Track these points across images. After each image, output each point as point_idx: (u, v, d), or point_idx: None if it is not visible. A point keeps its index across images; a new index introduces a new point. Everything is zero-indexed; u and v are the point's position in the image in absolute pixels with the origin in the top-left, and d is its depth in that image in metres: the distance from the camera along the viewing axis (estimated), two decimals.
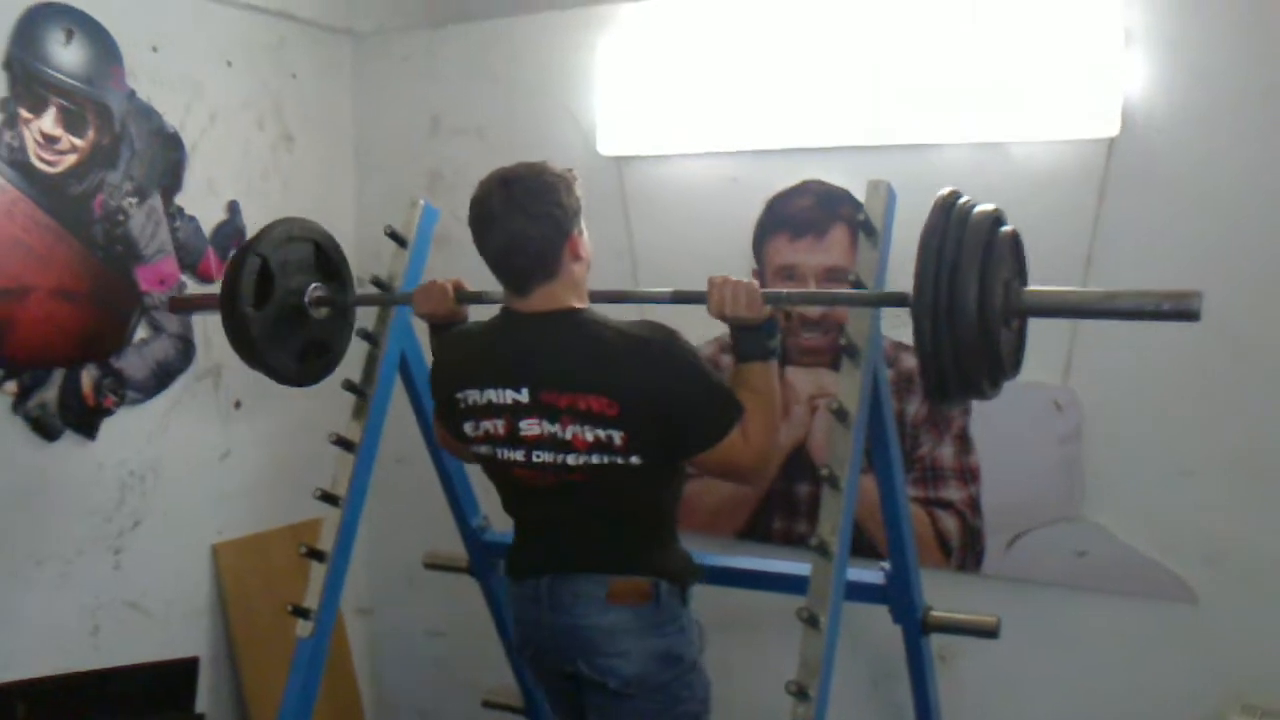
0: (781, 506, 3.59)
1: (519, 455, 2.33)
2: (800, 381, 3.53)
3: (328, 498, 2.94)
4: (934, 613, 3.01)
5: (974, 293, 2.01)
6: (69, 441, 3.31)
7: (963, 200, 2.15)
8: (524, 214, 2.25)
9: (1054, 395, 3.23)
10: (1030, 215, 3.17)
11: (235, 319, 2.73)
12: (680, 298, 2.51)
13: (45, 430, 3.24)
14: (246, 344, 2.77)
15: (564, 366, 2.26)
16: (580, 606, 2.36)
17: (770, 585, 3.13)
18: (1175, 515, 3.11)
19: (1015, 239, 2.17)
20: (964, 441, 3.35)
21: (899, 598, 2.96)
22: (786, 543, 3.57)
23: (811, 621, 2.35)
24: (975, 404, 3.31)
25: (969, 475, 3.35)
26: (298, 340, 2.88)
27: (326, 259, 2.93)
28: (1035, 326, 3.17)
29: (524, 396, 2.28)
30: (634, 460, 2.26)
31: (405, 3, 4.28)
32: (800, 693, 2.29)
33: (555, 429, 2.26)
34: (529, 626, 2.48)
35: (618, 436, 2.23)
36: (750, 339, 2.39)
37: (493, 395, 2.33)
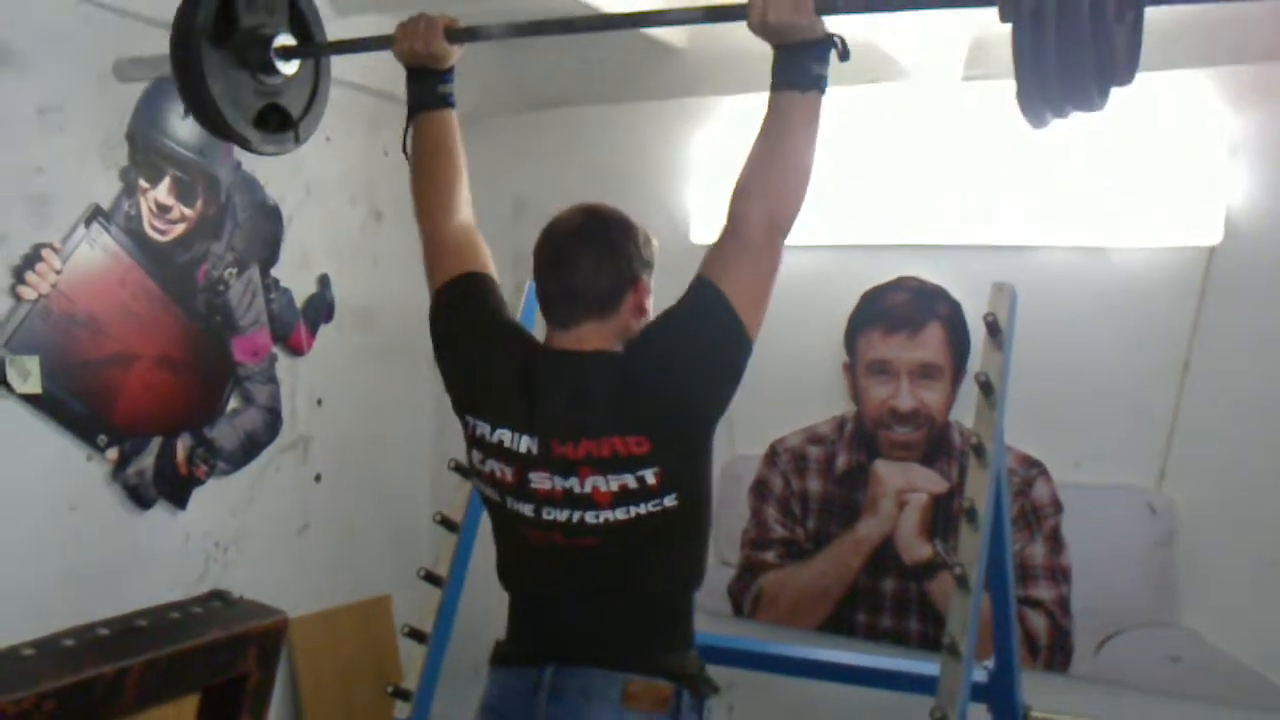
0: (865, 600, 3.58)
1: (528, 510, 1.96)
2: (890, 475, 3.54)
3: (431, 578, 2.92)
4: (1034, 713, 2.99)
5: None
6: (161, 510, 3.30)
7: None
8: (604, 242, 2.00)
9: (1148, 498, 3.25)
10: (1129, 320, 3.27)
11: (186, 50, 2.22)
12: (714, 15, 2.08)
13: (140, 499, 3.23)
14: (196, 81, 2.24)
15: (581, 409, 1.92)
16: (590, 707, 1.95)
17: (854, 679, 3.11)
18: (1275, 625, 3.10)
19: None
20: (1055, 541, 3.35)
21: (1001, 697, 2.94)
22: (870, 637, 3.55)
23: None
24: (1068, 505, 3.33)
25: (1060, 575, 3.34)
26: (255, 96, 2.36)
27: (302, 20, 2.42)
28: (1130, 428, 3.22)
29: (535, 447, 1.93)
30: (669, 502, 1.90)
31: (499, 86, 4.35)
32: None
33: (571, 484, 1.91)
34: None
35: (650, 475, 1.88)
36: (792, 59, 1.91)
37: (505, 436, 1.96)
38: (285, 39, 2.35)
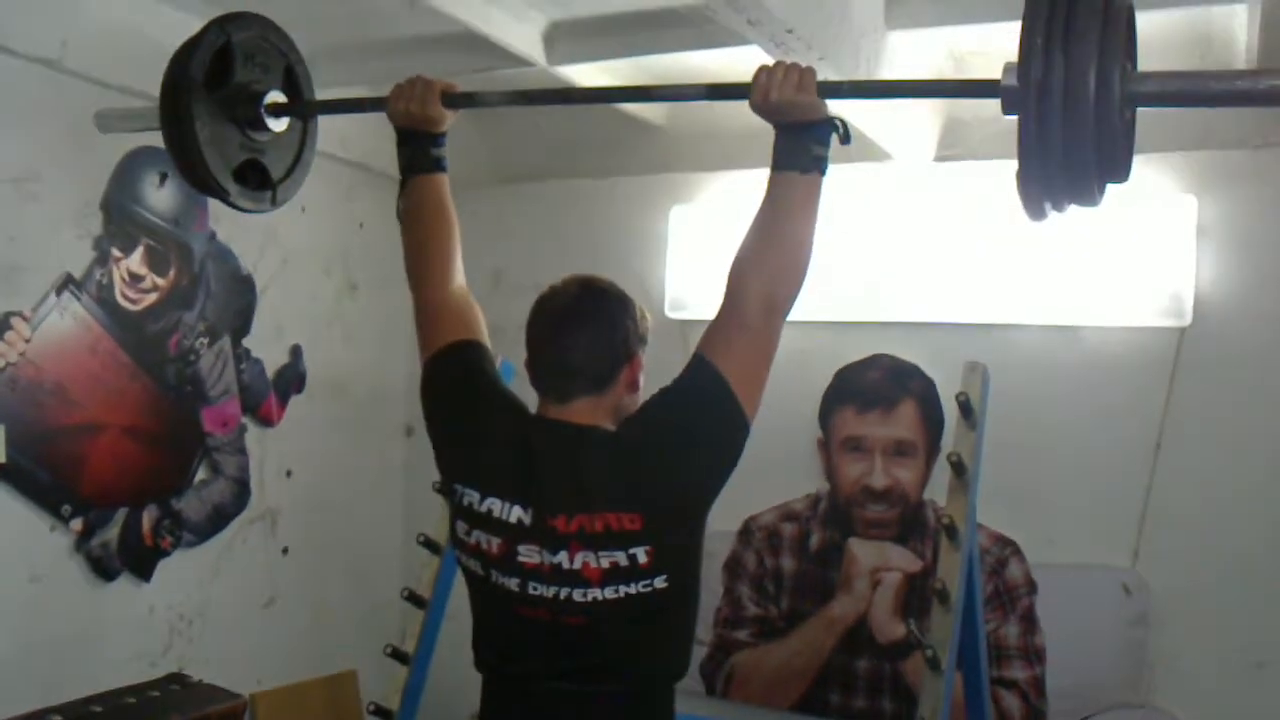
0: (839, 680, 3.53)
1: (514, 584, 1.88)
2: (864, 554, 3.52)
3: (397, 654, 2.88)
4: None
5: (1092, 66, 1.66)
6: (125, 582, 3.25)
7: None
8: (602, 318, 1.95)
9: (1122, 578, 3.24)
10: (1100, 400, 3.28)
11: (178, 84, 2.22)
12: (718, 92, 2.07)
13: (104, 571, 3.18)
14: (182, 117, 2.23)
15: (575, 484, 1.87)
16: None
17: None
18: (1249, 707, 3.09)
19: (1130, 14, 1.77)
20: (1029, 621, 3.33)
21: None
22: (844, 718, 3.50)
23: None
24: (1042, 585, 3.32)
25: (1034, 655, 3.32)
26: (238, 149, 2.34)
27: (295, 84, 2.42)
28: (1103, 507, 3.22)
29: (528, 518, 1.87)
30: (659, 583, 1.83)
31: (476, 160, 4.37)
32: None
33: (559, 559, 1.84)
34: None
35: (642, 554, 1.81)
36: (794, 140, 1.89)
37: (495, 506, 1.90)
38: (277, 96, 2.35)
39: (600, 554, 1.82)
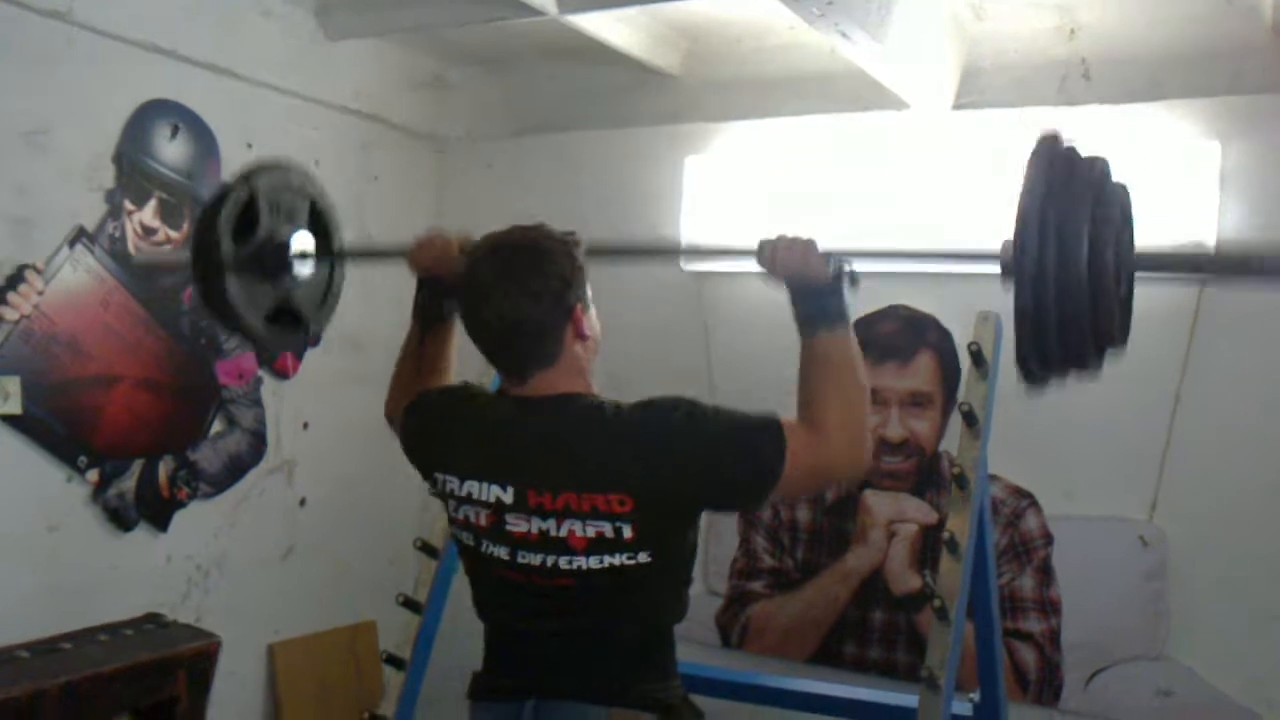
0: (854, 632, 3.53)
1: (503, 553, 1.92)
2: (879, 505, 3.50)
3: (410, 604, 2.89)
4: None
5: (1084, 244, 1.71)
6: (142, 532, 3.28)
7: (1066, 146, 1.85)
8: (520, 289, 1.88)
9: (1139, 530, 3.21)
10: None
11: (207, 247, 2.27)
12: (729, 253, 2.19)
13: (121, 520, 3.21)
14: (214, 280, 2.28)
15: (557, 462, 1.87)
16: None
17: (841, 712, 3.06)
18: (1268, 661, 3.06)
19: (1125, 192, 1.88)
20: (1045, 573, 3.31)
21: None
22: (859, 669, 3.51)
23: None
24: (1059, 537, 3.29)
25: (1050, 607, 3.30)
26: (269, 296, 2.39)
27: (320, 224, 2.47)
28: (1121, 459, 3.19)
29: (508, 496, 1.89)
30: (642, 558, 1.85)
31: (491, 111, 4.35)
32: None
33: (547, 525, 1.86)
34: None
35: (628, 529, 1.83)
36: (811, 304, 1.91)
37: (474, 488, 1.93)
38: (304, 242, 2.40)
39: (587, 524, 1.84)
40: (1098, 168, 1.80)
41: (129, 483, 3.22)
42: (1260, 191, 3.09)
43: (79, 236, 3.07)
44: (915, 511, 3.47)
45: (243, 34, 3.48)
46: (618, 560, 1.86)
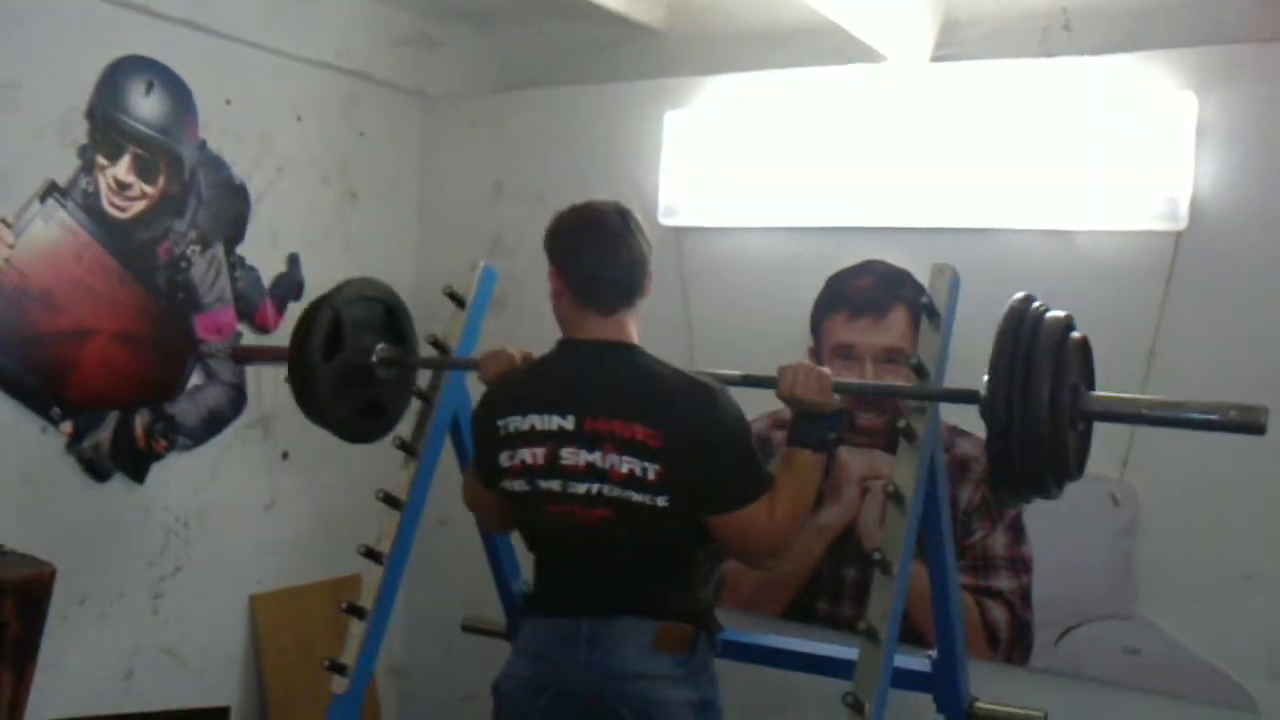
0: (827, 588, 3.53)
1: (555, 485, 2.28)
2: (853, 462, 3.49)
3: (371, 554, 2.92)
4: (979, 704, 2.92)
5: (1045, 396, 2.07)
6: (118, 484, 3.33)
7: (1036, 305, 2.23)
8: (635, 237, 2.34)
9: (1111, 488, 3.18)
10: (1094, 306, 3.15)
11: (302, 369, 2.72)
12: (750, 381, 2.54)
13: (96, 471, 3.26)
14: (311, 395, 2.76)
15: (614, 394, 2.26)
16: (625, 651, 2.29)
17: (814, 668, 3.06)
18: (1236, 620, 3.02)
19: (1085, 345, 2.26)
20: (1017, 531, 3.29)
21: (945, 687, 2.88)
22: (831, 625, 3.51)
23: (856, 707, 2.29)
24: None
25: (1020, 565, 3.29)
26: (359, 397, 2.87)
27: (395, 321, 2.94)
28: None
29: (569, 423, 2.26)
30: (660, 502, 2.22)
31: (477, 67, 4.34)
32: None
33: (595, 458, 2.24)
34: (557, 666, 2.34)
35: (652, 471, 2.20)
36: (809, 426, 2.39)
37: (536, 421, 2.30)
38: (385, 350, 2.87)
39: (625, 458, 2.21)
40: (1059, 326, 2.16)
41: (104, 434, 3.26)
42: (1237, 142, 3.02)
43: (51, 191, 3.10)
44: (889, 468, 3.44)
45: None
46: (639, 498, 2.22)
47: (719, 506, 2.26)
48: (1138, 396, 2.38)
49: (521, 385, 2.41)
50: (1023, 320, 2.17)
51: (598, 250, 2.32)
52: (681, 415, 2.22)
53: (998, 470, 2.17)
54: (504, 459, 2.35)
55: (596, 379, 2.28)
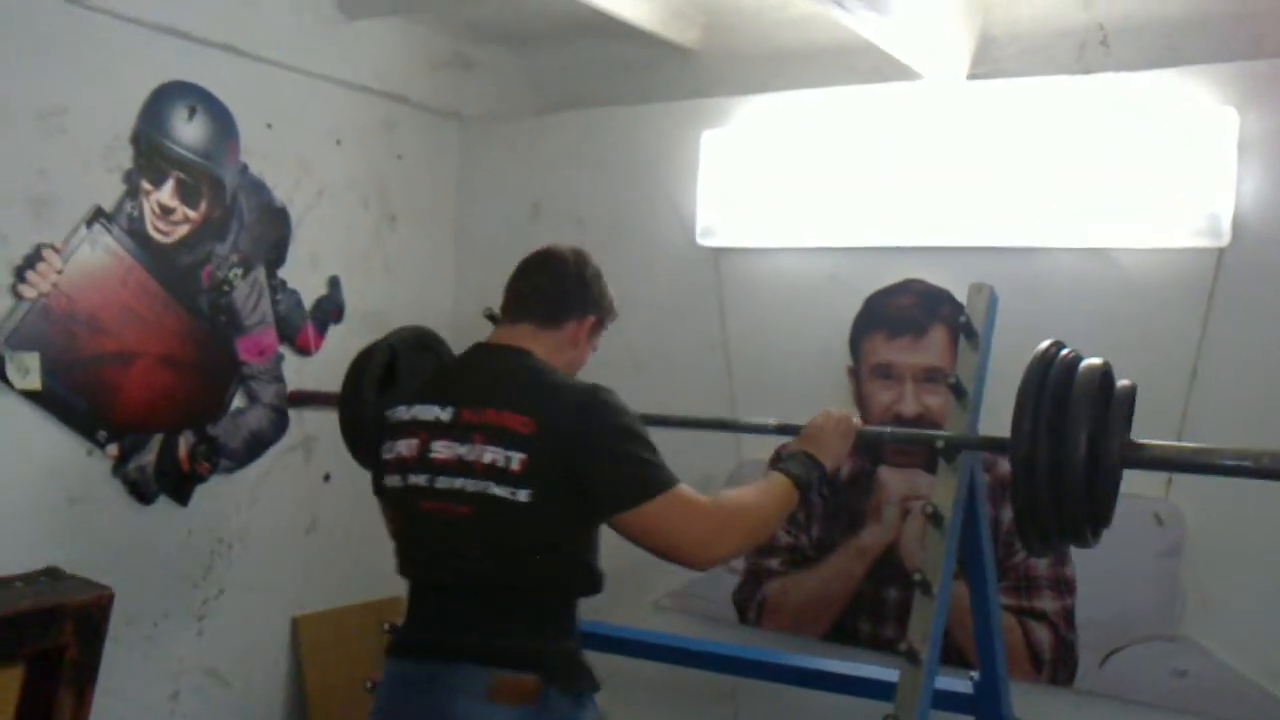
0: (869, 609, 3.51)
1: (423, 480, 2.15)
2: (894, 482, 3.48)
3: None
4: None
5: (1081, 448, 2.03)
6: (163, 505, 3.36)
7: (1065, 353, 2.18)
8: (575, 272, 2.33)
9: (1155, 508, 3.14)
10: (1135, 324, 3.16)
11: (355, 405, 2.62)
12: (785, 429, 2.60)
13: (141, 494, 3.29)
14: (360, 431, 2.62)
15: (495, 385, 2.17)
16: (460, 700, 2.09)
17: (856, 690, 3.06)
18: None
19: (1131, 392, 2.18)
20: (1060, 552, 3.25)
21: (987, 709, 2.87)
22: (874, 647, 3.48)
23: None
24: None
25: (1064, 586, 3.25)
26: None
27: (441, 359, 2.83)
28: (1136, 434, 3.12)
29: (446, 415, 2.16)
30: (521, 496, 2.06)
31: (514, 89, 4.38)
32: None
33: (464, 450, 2.11)
34: (399, 713, 2.20)
35: (516, 460, 2.06)
36: (809, 464, 2.38)
37: (419, 411, 2.21)
38: None
39: (489, 447, 2.09)
40: (1095, 375, 2.09)
41: (149, 457, 3.30)
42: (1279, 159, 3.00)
43: (97, 216, 3.15)
44: (929, 488, 3.43)
45: (260, 15, 3.53)
46: (503, 492, 2.07)
47: (612, 505, 2.10)
48: (1177, 444, 2.38)
49: (421, 381, 2.36)
50: (1048, 370, 2.13)
51: (529, 273, 2.34)
52: (561, 407, 2.10)
53: (1024, 523, 2.15)
54: (385, 453, 2.26)
55: (482, 373, 2.23)
